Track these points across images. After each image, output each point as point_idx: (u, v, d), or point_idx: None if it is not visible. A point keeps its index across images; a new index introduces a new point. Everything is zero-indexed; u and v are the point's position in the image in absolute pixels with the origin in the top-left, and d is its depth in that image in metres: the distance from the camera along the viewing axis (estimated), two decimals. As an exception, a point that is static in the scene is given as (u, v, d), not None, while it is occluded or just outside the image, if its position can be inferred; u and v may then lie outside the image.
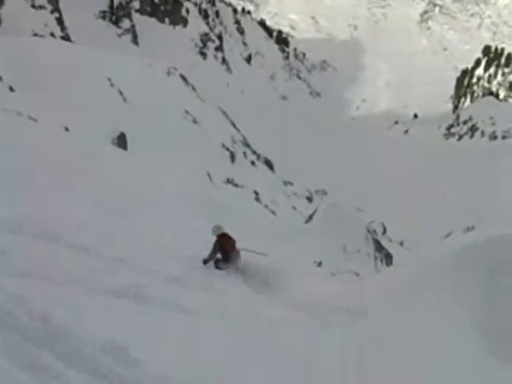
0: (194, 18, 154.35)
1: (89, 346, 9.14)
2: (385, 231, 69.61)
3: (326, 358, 12.52)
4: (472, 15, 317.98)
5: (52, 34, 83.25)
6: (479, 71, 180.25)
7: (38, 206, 15.31)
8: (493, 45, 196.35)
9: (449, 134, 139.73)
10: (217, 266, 16.84)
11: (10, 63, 47.36)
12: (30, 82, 45.43)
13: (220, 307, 13.55)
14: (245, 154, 75.32)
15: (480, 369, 11.98)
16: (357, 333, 14.01)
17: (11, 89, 44.05)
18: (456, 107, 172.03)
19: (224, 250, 16.74)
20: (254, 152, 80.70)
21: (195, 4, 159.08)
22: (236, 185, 57.33)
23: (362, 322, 14.68)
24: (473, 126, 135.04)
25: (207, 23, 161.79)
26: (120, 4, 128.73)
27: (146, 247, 16.31)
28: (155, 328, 11.07)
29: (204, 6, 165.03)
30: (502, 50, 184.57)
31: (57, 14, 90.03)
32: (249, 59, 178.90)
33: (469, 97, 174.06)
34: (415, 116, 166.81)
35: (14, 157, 18.85)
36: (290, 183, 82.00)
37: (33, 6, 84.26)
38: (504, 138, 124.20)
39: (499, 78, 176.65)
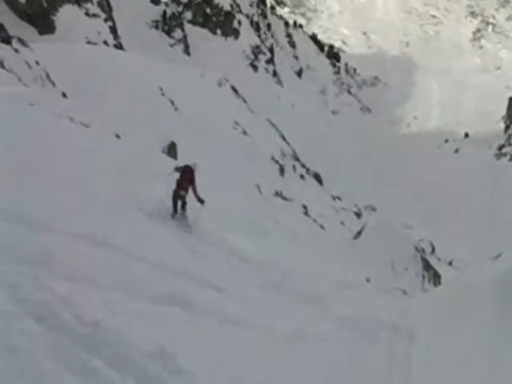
0: (246, 30, 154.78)
1: (137, 352, 9.11)
2: (433, 250, 68.69)
3: (371, 378, 12.41)
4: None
5: (105, 42, 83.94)
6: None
7: (85, 209, 15.34)
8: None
9: (500, 154, 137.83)
10: (179, 205, 20.63)
11: (63, 70, 47.68)
12: (82, 89, 45.65)
13: (266, 319, 13.50)
14: (294, 167, 75.10)
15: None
16: (402, 352, 13.82)
17: (64, 95, 44.31)
18: (508, 127, 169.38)
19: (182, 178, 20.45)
20: (303, 165, 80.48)
21: (247, 16, 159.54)
22: (285, 198, 57.01)
23: (408, 340, 14.56)
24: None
25: (259, 36, 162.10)
26: (173, 14, 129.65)
27: (194, 257, 16.29)
28: (203, 338, 11.04)
29: (256, 18, 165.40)
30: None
31: (110, 23, 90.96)
32: (300, 73, 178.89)
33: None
34: (466, 135, 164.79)
35: (65, 161, 18.80)
36: (339, 198, 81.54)
37: (87, 14, 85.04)
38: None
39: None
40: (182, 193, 20.60)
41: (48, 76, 45.49)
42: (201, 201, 21.01)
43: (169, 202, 20.55)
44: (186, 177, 20.47)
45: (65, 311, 9.42)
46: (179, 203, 20.68)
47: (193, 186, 20.77)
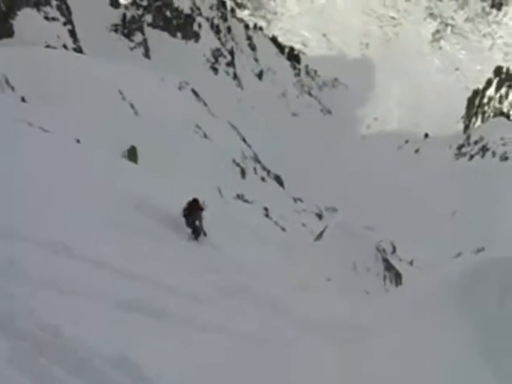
0: (206, 33, 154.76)
1: (99, 360, 9.00)
2: (394, 250, 69.13)
3: (332, 379, 12.54)
4: (484, 36, 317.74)
5: (64, 46, 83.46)
6: (490, 92, 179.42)
7: (48, 216, 15.27)
8: (504, 65, 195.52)
9: (459, 154, 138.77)
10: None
11: (23, 74, 47.32)
12: (41, 93, 45.33)
13: (230, 324, 13.47)
14: (255, 169, 75.25)
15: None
16: (364, 352, 13.94)
17: (23, 99, 43.96)
18: (467, 127, 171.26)
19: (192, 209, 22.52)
20: (264, 168, 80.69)
21: (207, 19, 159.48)
22: (246, 200, 57.05)
23: (370, 340, 14.65)
24: (484, 146, 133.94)
25: (219, 38, 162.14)
26: (132, 17, 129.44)
27: (159, 261, 16.25)
28: (168, 344, 10.94)
29: (216, 21, 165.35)
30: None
31: (69, 26, 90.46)
32: (260, 75, 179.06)
33: (480, 117, 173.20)
34: (426, 135, 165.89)
35: (25, 167, 18.66)
36: (300, 200, 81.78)
37: (46, 18, 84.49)
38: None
39: (510, 98, 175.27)
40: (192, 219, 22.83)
41: (7, 80, 45.07)
42: (204, 233, 23.15)
43: (136, 209, 20.91)
44: (194, 208, 22.65)
45: (26, 319, 9.33)
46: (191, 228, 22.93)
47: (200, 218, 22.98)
